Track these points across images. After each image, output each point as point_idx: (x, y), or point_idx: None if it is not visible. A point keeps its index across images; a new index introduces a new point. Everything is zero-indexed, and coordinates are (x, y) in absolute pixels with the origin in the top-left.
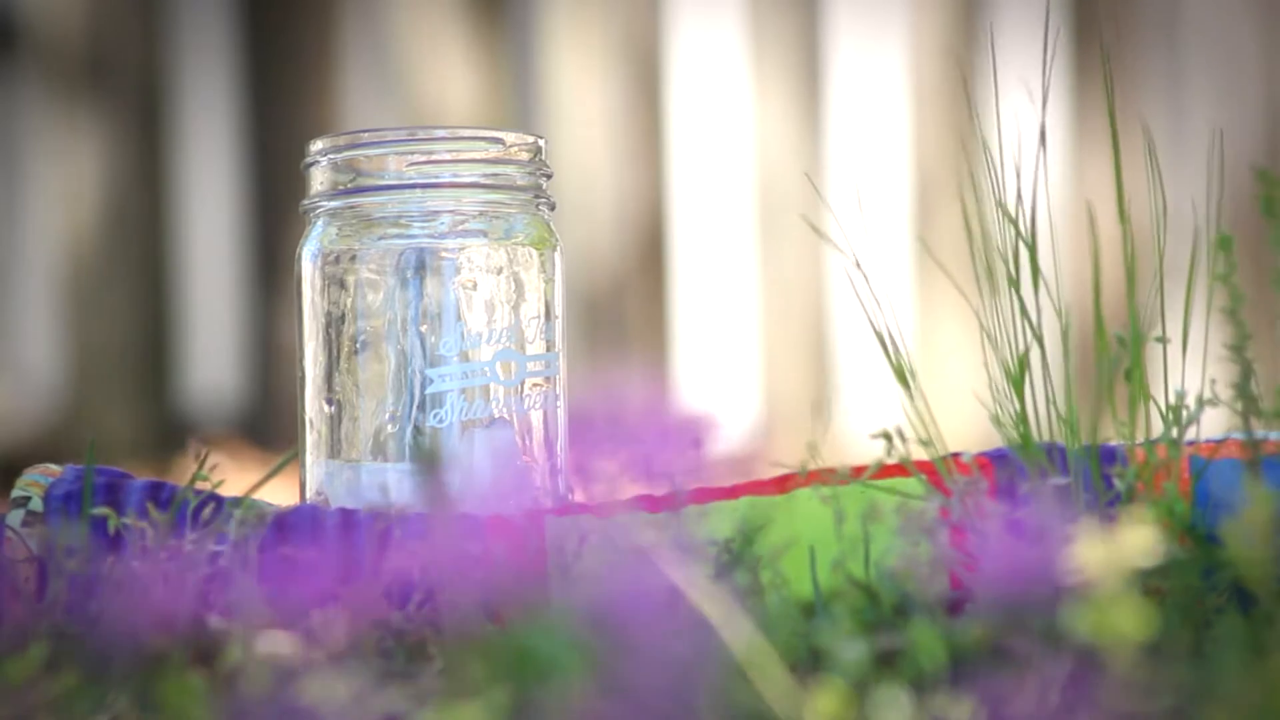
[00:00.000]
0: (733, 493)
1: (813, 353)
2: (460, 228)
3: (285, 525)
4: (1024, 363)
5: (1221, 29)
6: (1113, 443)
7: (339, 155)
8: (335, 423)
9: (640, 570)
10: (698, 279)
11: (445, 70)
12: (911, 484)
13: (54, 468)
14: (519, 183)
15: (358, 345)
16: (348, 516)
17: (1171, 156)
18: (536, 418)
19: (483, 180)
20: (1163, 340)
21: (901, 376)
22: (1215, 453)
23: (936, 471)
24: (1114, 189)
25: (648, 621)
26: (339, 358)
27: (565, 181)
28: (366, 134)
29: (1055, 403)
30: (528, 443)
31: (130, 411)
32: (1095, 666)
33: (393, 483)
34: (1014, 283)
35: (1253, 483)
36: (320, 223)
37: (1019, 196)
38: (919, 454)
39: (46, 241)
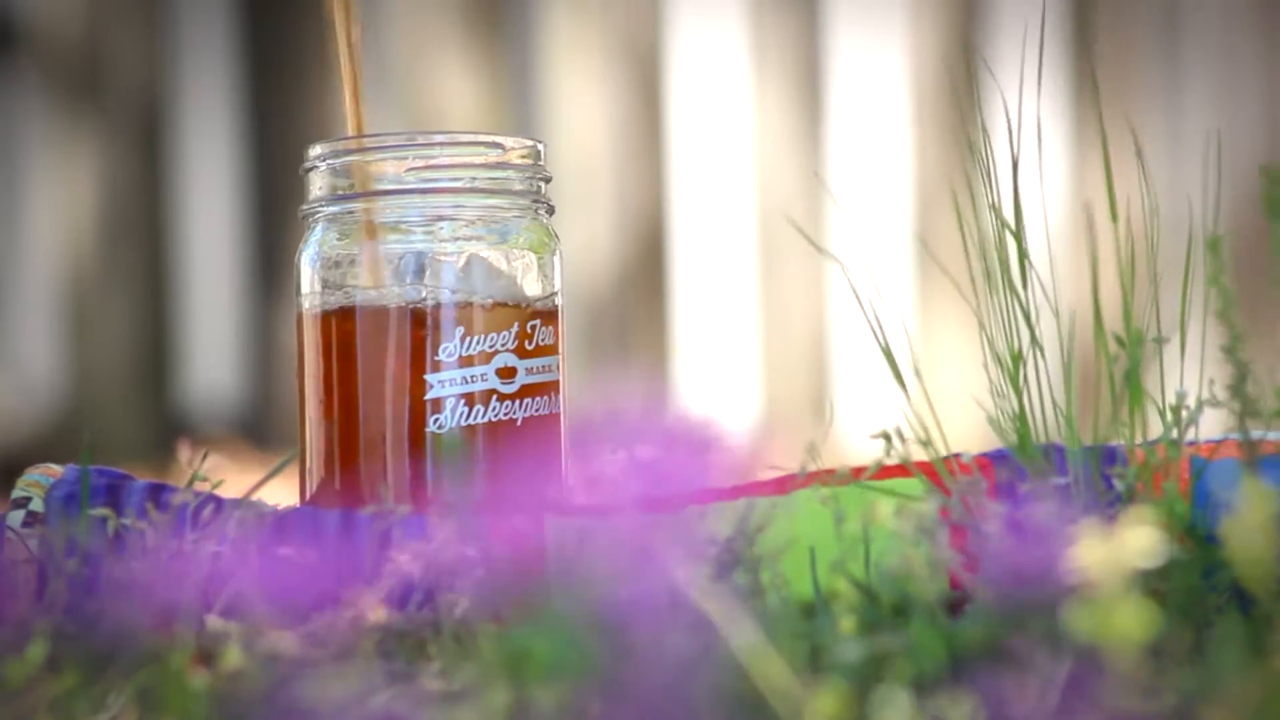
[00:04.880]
0: (733, 493)
1: (813, 355)
2: (459, 232)
3: (285, 525)
4: (1019, 359)
5: (1220, 31)
6: (1112, 443)
7: (338, 160)
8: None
9: (640, 571)
10: (698, 281)
11: (444, 74)
12: (911, 484)
13: (55, 468)
14: (518, 187)
15: (357, 349)
16: (348, 516)
17: (1171, 158)
18: (537, 421)
19: (482, 185)
20: (1160, 340)
21: (900, 378)
22: (1215, 453)
23: (936, 472)
24: (1112, 191)
25: (648, 622)
26: (339, 362)
27: (565, 184)
28: (366, 139)
29: (1055, 403)
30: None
31: (131, 412)
32: (1096, 667)
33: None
34: (1011, 283)
35: (1252, 483)
36: (319, 227)
37: (1017, 198)
38: (919, 454)
39: (47, 244)
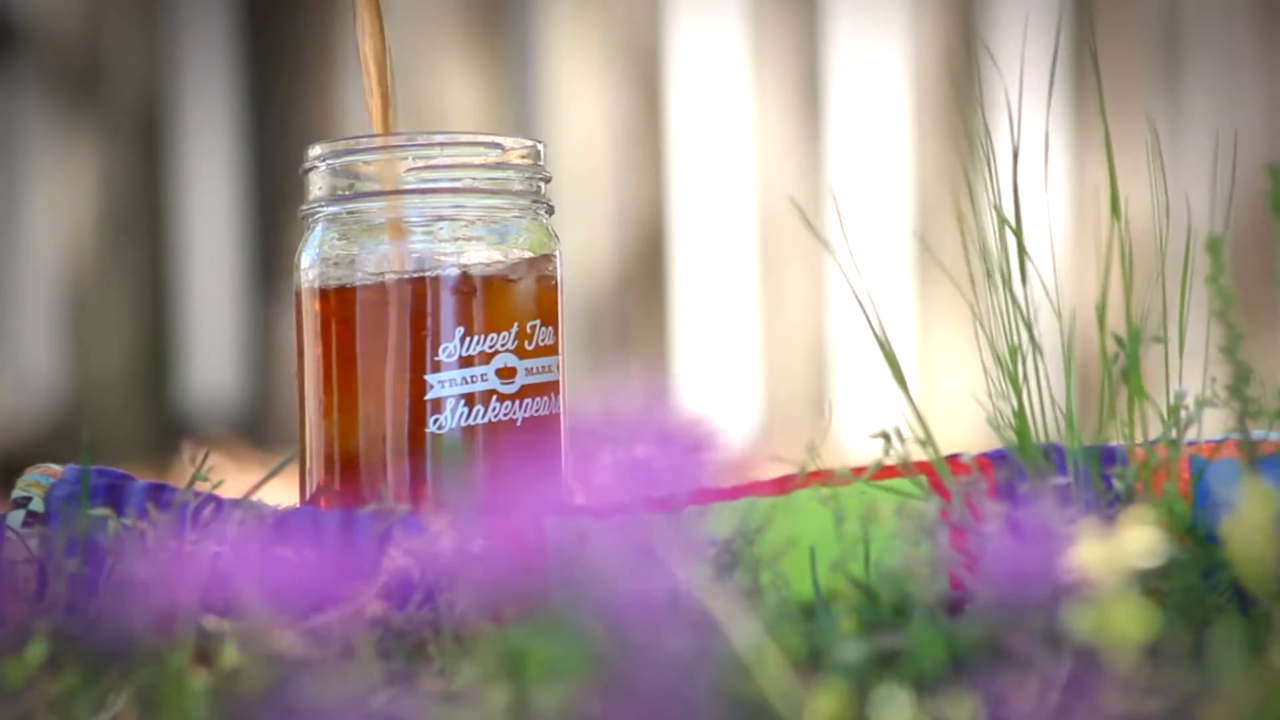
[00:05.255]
0: (733, 493)
1: (813, 355)
2: (459, 232)
3: (285, 525)
4: (1017, 355)
5: (1221, 31)
6: (1112, 443)
7: (338, 160)
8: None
9: (640, 571)
10: (698, 281)
11: (444, 74)
12: (911, 484)
13: (55, 468)
14: (518, 187)
15: (357, 350)
16: (348, 516)
17: (1171, 158)
18: (536, 422)
19: (482, 185)
20: (1162, 340)
21: (899, 379)
22: (1215, 453)
23: (936, 472)
24: (1115, 189)
25: (648, 622)
26: (338, 362)
27: (565, 185)
28: (365, 139)
29: (1055, 402)
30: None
31: (131, 412)
32: (1095, 667)
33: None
34: (1010, 280)
35: (1252, 483)
36: (319, 228)
37: (1016, 191)
38: (918, 455)
39: (47, 244)
